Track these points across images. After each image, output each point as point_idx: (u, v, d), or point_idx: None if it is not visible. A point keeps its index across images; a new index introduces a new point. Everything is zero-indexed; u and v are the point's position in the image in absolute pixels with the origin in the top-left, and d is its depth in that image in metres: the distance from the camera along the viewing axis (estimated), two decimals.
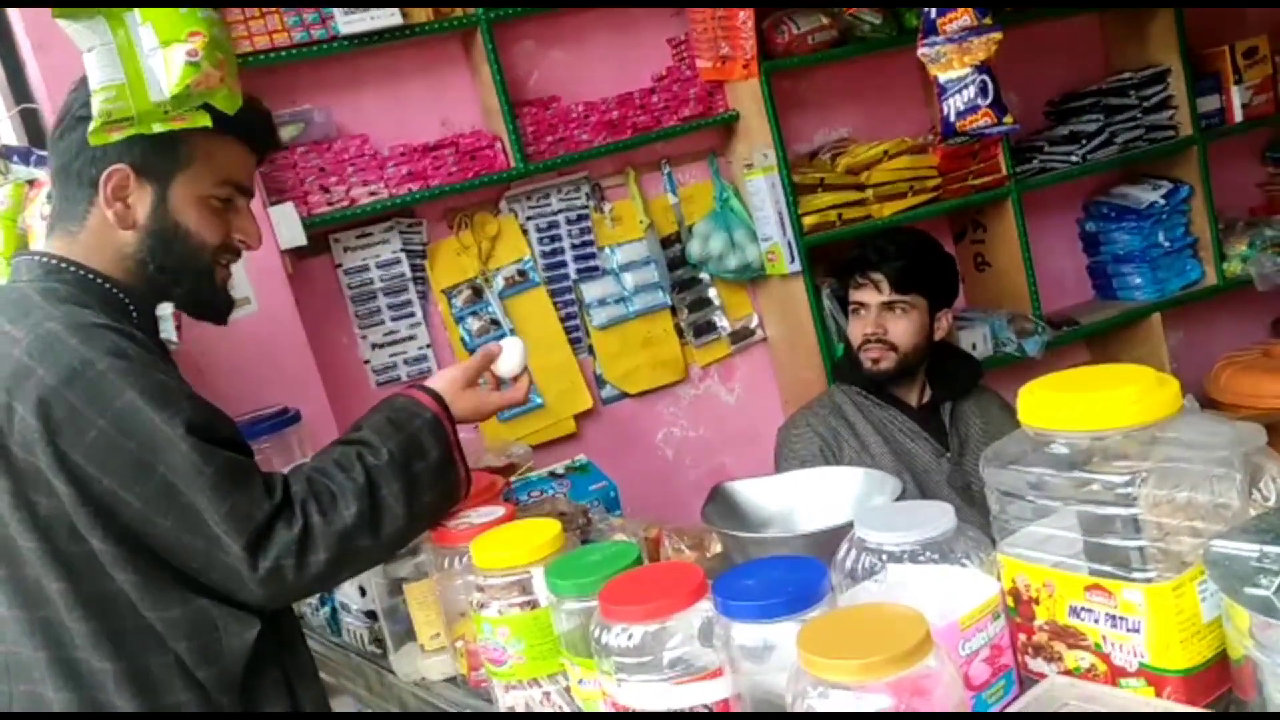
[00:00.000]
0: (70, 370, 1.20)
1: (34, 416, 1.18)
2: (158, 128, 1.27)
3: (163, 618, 1.23)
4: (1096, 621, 0.98)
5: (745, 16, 2.99)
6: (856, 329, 2.47)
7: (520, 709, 1.31)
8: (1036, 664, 1.04)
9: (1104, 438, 0.98)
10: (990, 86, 2.29)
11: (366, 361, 2.94)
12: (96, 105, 1.24)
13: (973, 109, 2.31)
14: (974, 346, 3.28)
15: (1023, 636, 1.05)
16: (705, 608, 1.05)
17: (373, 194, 2.82)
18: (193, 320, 1.51)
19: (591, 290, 3.17)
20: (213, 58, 1.25)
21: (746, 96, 3.14)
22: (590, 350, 3.19)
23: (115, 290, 1.35)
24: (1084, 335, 3.61)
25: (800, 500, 1.60)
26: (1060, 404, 1.00)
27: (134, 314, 1.36)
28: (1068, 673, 1.01)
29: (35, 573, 1.22)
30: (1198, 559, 0.94)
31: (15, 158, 2.13)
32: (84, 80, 1.26)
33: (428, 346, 3.00)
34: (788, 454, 2.43)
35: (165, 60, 1.24)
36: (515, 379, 1.56)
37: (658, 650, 1.04)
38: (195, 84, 1.24)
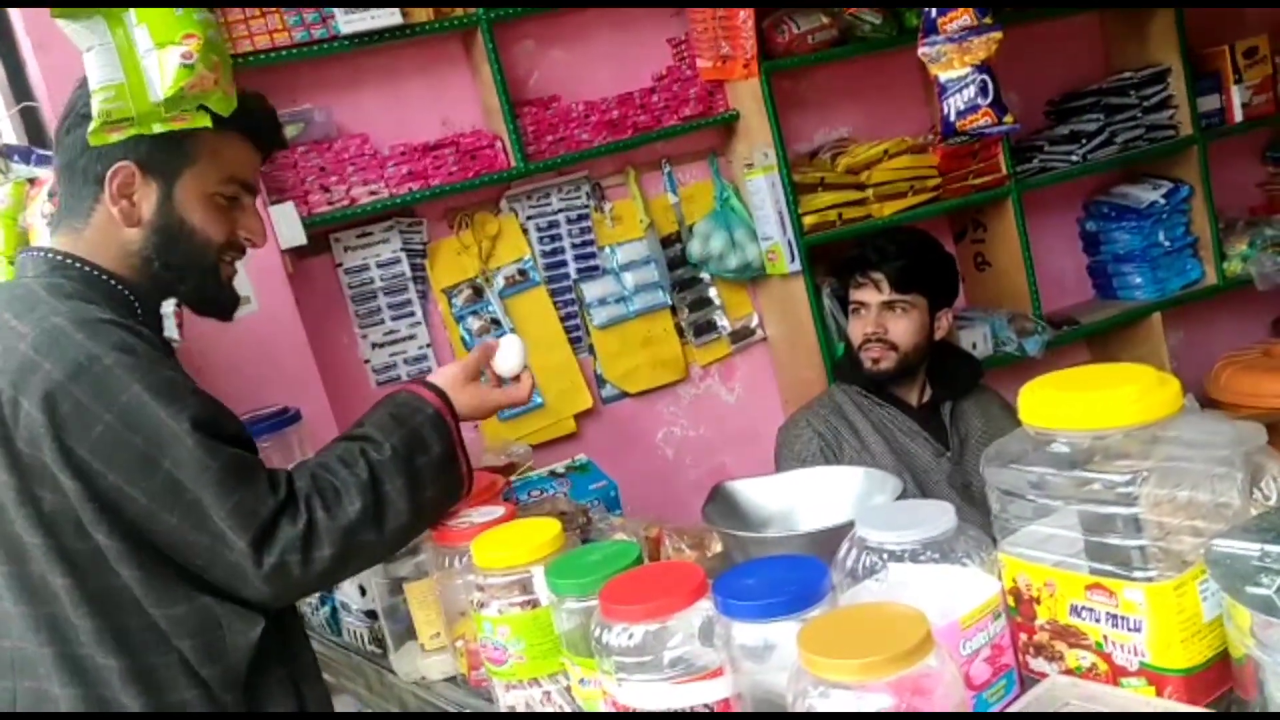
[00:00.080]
0: (76, 365, 1.20)
1: (40, 411, 1.18)
2: (158, 128, 1.27)
3: (167, 615, 1.23)
4: (1097, 621, 0.98)
5: (745, 16, 2.99)
6: (857, 328, 2.47)
7: (521, 709, 1.31)
8: (1037, 663, 1.04)
9: (1105, 437, 0.98)
10: (990, 86, 2.29)
11: (366, 361, 2.94)
12: (96, 105, 1.24)
13: (973, 108, 2.31)
14: (974, 346, 3.28)
15: (1024, 636, 1.05)
16: (706, 607, 1.05)
17: (373, 193, 2.82)
18: (193, 319, 1.51)
19: (592, 290, 3.17)
20: (207, 60, 1.25)
21: (747, 96, 3.14)
22: (590, 350, 3.19)
23: (120, 287, 1.35)
24: (1084, 335, 3.61)
25: (800, 500, 1.60)
26: (1061, 403, 1.00)
27: (139, 311, 1.36)
28: (1069, 672, 1.01)
29: (40, 569, 1.22)
30: (1199, 558, 0.94)
31: (15, 157, 2.13)
32: None
33: (428, 346, 3.00)
34: (788, 453, 2.43)
35: (159, 62, 1.23)
36: (517, 378, 1.56)
37: (658, 650, 1.04)
38: (189, 86, 1.24)
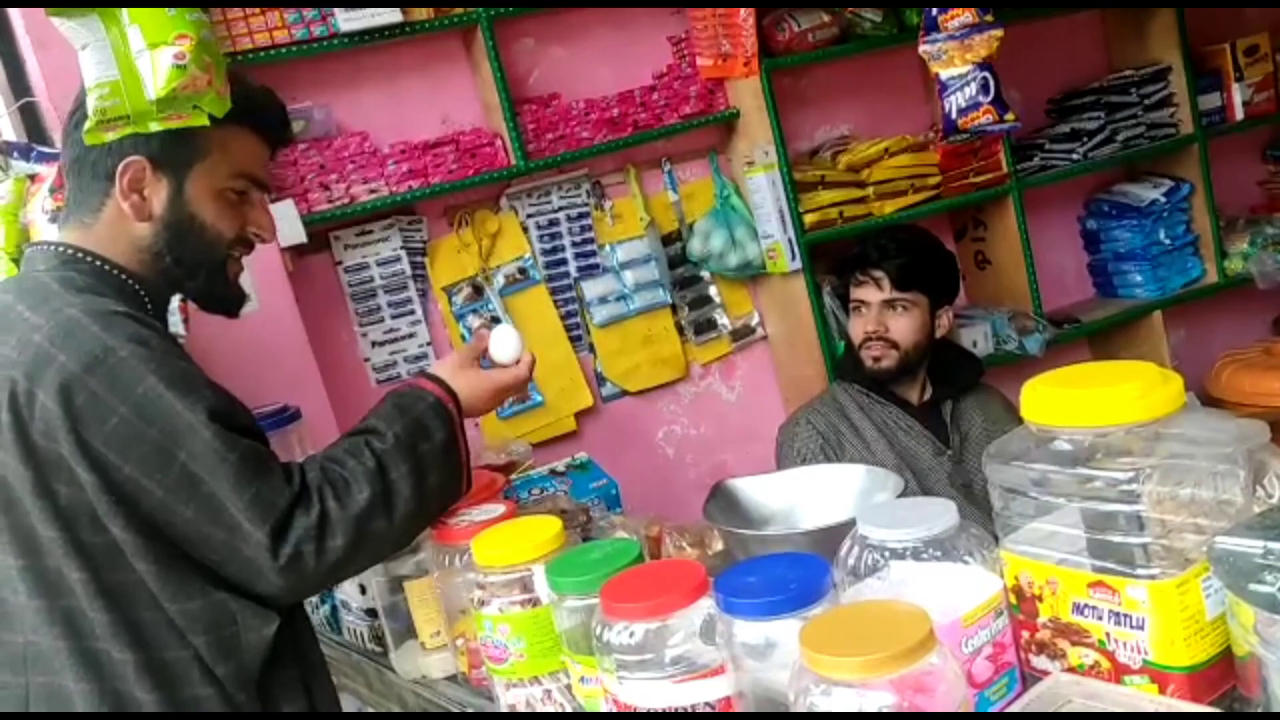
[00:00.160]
0: (92, 357, 1.19)
1: (55, 403, 1.18)
2: (154, 126, 1.26)
3: (183, 609, 1.23)
4: (1100, 618, 0.98)
5: (746, 14, 2.99)
6: (857, 327, 2.47)
7: (521, 707, 1.30)
8: (1040, 661, 1.04)
9: (1107, 434, 0.98)
10: (991, 84, 2.29)
11: (366, 359, 2.94)
12: (91, 103, 1.23)
13: (974, 106, 2.31)
14: (975, 344, 3.28)
15: (1026, 634, 1.04)
16: (707, 605, 1.05)
17: (373, 191, 2.82)
18: (197, 316, 1.51)
19: (592, 288, 3.17)
20: (200, 61, 1.24)
21: (747, 94, 3.14)
22: (591, 348, 3.19)
23: (131, 282, 1.35)
24: (1085, 333, 3.61)
25: (802, 498, 1.60)
26: (1063, 400, 1.00)
27: (149, 306, 1.36)
28: (1071, 670, 1.01)
29: (56, 562, 1.21)
30: (1202, 556, 0.94)
31: (16, 153, 2.13)
32: None
33: (428, 344, 3.00)
34: (789, 452, 2.43)
35: (152, 63, 1.23)
36: (517, 362, 1.57)
37: (659, 648, 1.04)
38: (182, 87, 1.23)
